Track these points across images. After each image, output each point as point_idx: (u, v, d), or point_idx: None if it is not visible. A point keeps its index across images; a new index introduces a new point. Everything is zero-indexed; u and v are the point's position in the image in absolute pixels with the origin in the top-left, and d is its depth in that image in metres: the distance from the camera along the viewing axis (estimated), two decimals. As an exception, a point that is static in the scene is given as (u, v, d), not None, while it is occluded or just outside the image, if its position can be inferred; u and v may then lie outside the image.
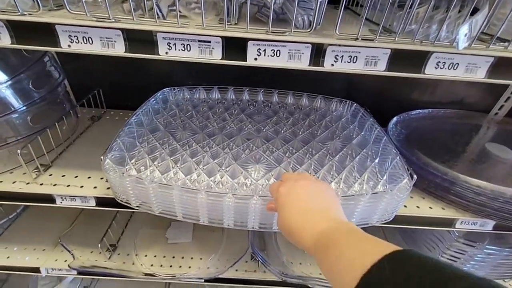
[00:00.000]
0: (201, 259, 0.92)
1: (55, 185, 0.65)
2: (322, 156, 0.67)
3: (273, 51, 0.40)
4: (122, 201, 0.59)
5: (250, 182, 0.58)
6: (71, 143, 0.80)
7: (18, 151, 0.59)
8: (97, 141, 0.81)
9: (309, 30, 0.40)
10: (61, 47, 0.40)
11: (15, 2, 0.37)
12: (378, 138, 0.73)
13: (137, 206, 0.58)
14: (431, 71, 0.42)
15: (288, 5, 0.41)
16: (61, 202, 0.65)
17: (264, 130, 0.76)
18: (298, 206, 0.38)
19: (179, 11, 0.40)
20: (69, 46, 0.40)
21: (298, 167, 0.62)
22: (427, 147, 0.76)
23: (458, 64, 0.41)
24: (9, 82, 0.60)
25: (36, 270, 0.86)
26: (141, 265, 0.86)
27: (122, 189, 0.56)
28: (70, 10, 0.39)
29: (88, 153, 0.76)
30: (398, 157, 0.64)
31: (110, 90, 0.92)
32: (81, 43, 0.40)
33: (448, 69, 0.42)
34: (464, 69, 0.42)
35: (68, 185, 0.65)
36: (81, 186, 0.65)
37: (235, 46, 0.40)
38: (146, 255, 0.91)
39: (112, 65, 0.90)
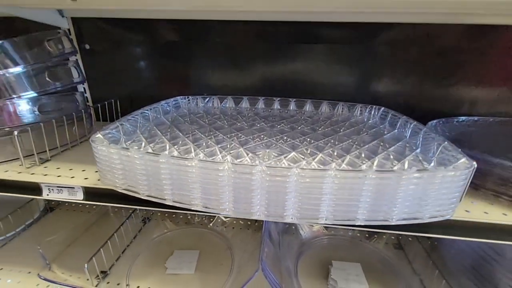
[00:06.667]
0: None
1: (45, 175, 0.59)
2: (347, 145, 0.56)
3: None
4: (110, 186, 0.50)
5: (258, 162, 0.47)
6: (78, 144, 0.77)
7: (15, 132, 0.56)
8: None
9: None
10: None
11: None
12: (415, 131, 0.61)
13: (124, 189, 0.48)
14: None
15: None
16: (47, 194, 0.57)
17: (278, 126, 0.67)
18: None
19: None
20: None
21: (317, 152, 0.51)
22: (484, 149, 0.61)
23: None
24: (27, 68, 0.61)
25: (14, 295, 0.74)
26: (129, 296, 0.71)
27: (108, 166, 0.48)
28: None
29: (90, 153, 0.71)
30: (446, 142, 0.50)
31: (127, 104, 0.94)
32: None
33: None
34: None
35: (59, 176, 0.59)
36: (72, 177, 0.59)
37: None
38: (138, 286, 0.76)
39: (130, 80, 0.93)
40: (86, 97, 0.93)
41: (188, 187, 0.43)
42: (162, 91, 0.95)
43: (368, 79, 0.86)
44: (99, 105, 0.84)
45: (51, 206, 1.09)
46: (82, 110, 0.75)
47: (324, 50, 0.83)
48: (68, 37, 0.74)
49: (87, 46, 0.88)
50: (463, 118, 0.79)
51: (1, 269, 0.81)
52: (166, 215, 1.07)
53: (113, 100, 0.88)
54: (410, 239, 0.94)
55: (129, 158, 0.45)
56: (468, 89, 0.83)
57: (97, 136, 0.50)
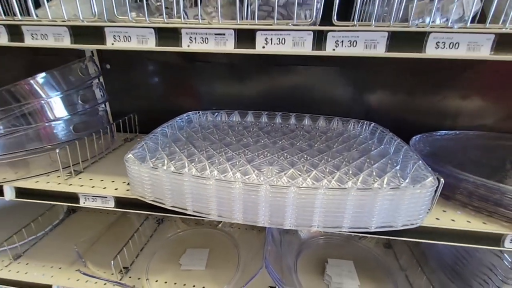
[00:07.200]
0: (213, 288, 0.85)
1: (81, 186, 0.70)
2: (338, 162, 0.66)
3: (278, 39, 0.46)
4: (140, 197, 0.60)
5: (262, 179, 0.57)
6: (104, 156, 0.87)
7: (57, 150, 0.67)
8: (125, 156, 0.88)
9: (310, 20, 0.45)
10: (106, 44, 0.49)
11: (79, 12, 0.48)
12: (398, 148, 0.70)
13: (152, 200, 0.59)
14: (432, 51, 0.43)
15: (291, 6, 0.48)
16: (84, 202, 0.68)
17: (279, 142, 0.77)
18: None
19: (201, 16, 0.49)
20: (112, 44, 0.49)
21: (312, 169, 0.61)
22: (457, 162, 0.70)
23: (458, 43, 0.43)
24: (65, 93, 0.72)
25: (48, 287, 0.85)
26: (150, 289, 0.81)
27: (139, 181, 0.58)
28: (116, 16, 0.49)
29: (116, 164, 0.82)
30: (420, 161, 0.60)
31: (144, 117, 1.04)
32: (122, 41, 0.49)
33: (450, 48, 0.43)
34: (466, 48, 0.43)
35: (93, 186, 0.70)
36: (104, 188, 0.69)
37: (245, 37, 0.46)
38: (156, 281, 0.87)
39: (146, 95, 1.04)
40: (106, 111, 1.03)
41: (206, 200, 0.53)
42: (174, 104, 1.05)
43: (362, 96, 0.95)
44: (120, 120, 0.94)
45: (73, 208, 1.20)
46: (107, 126, 0.86)
47: (322, 71, 0.93)
48: (94, 62, 0.84)
49: (108, 66, 0.99)
50: (444, 132, 0.88)
51: (35, 265, 0.92)
52: (178, 216, 1.17)
53: (131, 115, 0.98)
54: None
55: (157, 176, 0.55)
56: (452, 104, 0.92)
57: (128, 156, 0.60)
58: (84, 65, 0.81)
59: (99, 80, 0.91)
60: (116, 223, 1.10)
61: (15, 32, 0.51)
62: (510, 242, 0.56)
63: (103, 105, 0.94)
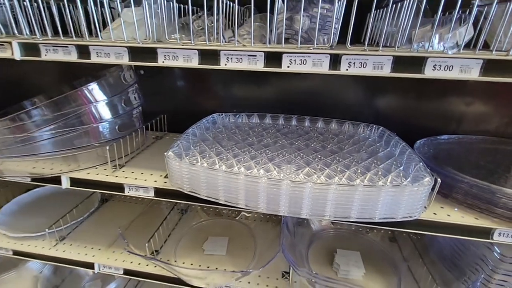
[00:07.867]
0: (233, 271, 0.95)
1: (126, 177, 0.82)
2: (348, 162, 0.75)
3: (301, 60, 0.55)
4: (179, 188, 0.72)
5: (282, 176, 0.67)
6: (140, 152, 1.00)
7: (107, 147, 0.79)
8: (158, 152, 1.00)
9: (327, 45, 0.55)
10: (158, 62, 0.60)
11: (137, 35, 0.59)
12: (403, 151, 0.79)
13: (189, 191, 0.70)
14: (430, 73, 0.52)
15: (312, 31, 0.57)
16: (128, 192, 0.80)
17: (296, 143, 0.87)
18: None
19: (237, 40, 0.58)
20: (163, 62, 0.60)
21: (325, 168, 0.71)
22: (457, 164, 0.78)
23: (452, 66, 0.51)
24: (112, 98, 0.84)
25: (91, 265, 0.98)
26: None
27: (178, 175, 0.69)
28: (168, 40, 0.60)
29: (151, 159, 0.94)
30: (421, 163, 0.69)
31: (171, 117, 1.15)
32: (171, 60, 0.59)
33: (445, 70, 0.51)
34: (459, 70, 0.51)
35: (135, 178, 0.82)
36: (145, 180, 0.81)
37: (273, 58, 0.56)
38: (183, 262, 0.99)
39: (174, 98, 1.15)
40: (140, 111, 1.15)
41: (235, 192, 0.64)
42: (198, 106, 1.16)
43: (371, 102, 1.03)
44: (153, 120, 1.06)
45: (105, 198, 1.33)
46: (142, 126, 0.97)
47: (334, 78, 1.01)
48: (133, 69, 0.96)
49: (142, 72, 1.10)
50: (448, 136, 0.96)
51: (78, 245, 1.05)
52: (199, 207, 1.29)
53: (162, 116, 1.10)
54: (404, 234, 1.12)
55: (194, 171, 0.66)
56: (456, 110, 0.99)
57: (169, 153, 0.71)
58: (123, 72, 0.93)
59: (137, 87, 1.03)
60: (146, 212, 1.23)
61: (83, 51, 0.62)
62: (499, 236, 0.64)
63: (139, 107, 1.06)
